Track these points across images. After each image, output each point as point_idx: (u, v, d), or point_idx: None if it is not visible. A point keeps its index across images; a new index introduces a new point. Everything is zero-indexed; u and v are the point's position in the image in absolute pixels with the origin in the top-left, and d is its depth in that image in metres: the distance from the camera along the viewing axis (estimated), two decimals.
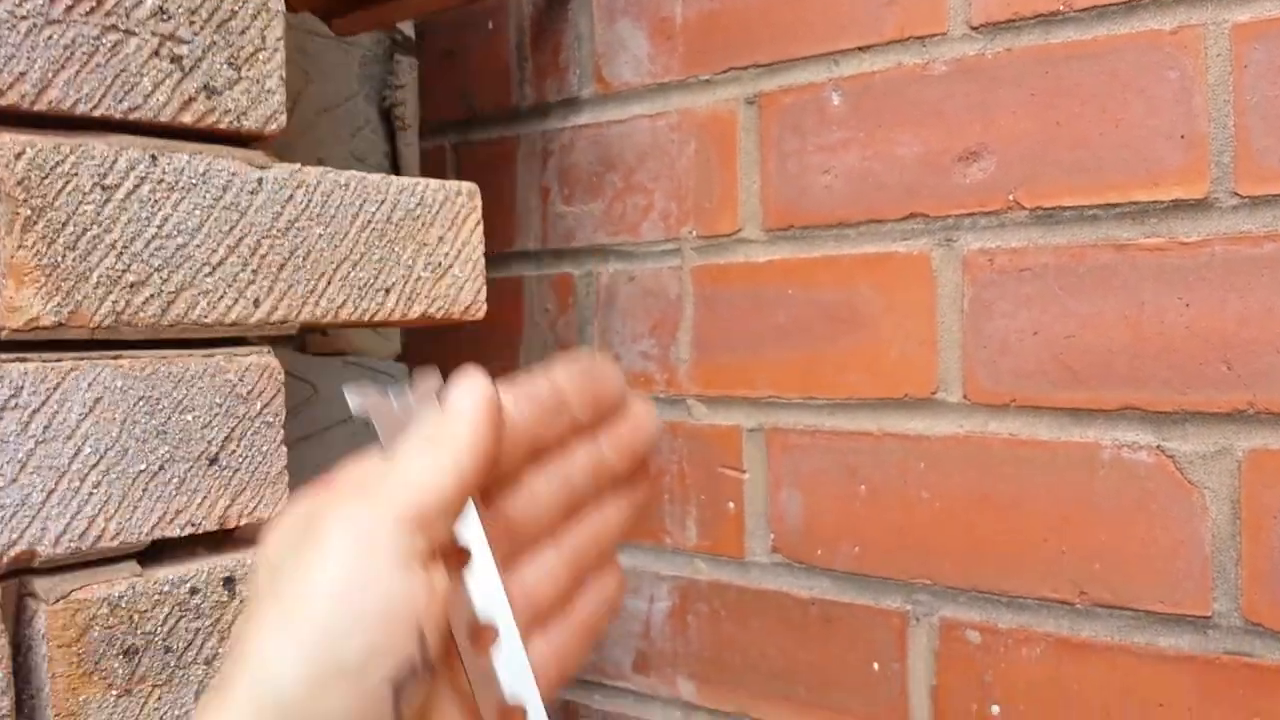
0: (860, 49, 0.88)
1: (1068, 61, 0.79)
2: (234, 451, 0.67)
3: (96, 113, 0.60)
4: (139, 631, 0.63)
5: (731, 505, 0.98)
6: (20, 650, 0.61)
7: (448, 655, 0.42)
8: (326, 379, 1.06)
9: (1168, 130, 0.76)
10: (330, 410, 1.07)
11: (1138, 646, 0.78)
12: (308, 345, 1.06)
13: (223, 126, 0.66)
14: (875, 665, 0.90)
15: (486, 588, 0.44)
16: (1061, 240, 0.80)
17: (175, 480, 0.65)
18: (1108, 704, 0.79)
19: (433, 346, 1.19)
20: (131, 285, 0.62)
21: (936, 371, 0.86)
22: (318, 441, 1.05)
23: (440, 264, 0.79)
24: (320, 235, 0.71)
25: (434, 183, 0.78)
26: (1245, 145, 0.73)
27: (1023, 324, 0.82)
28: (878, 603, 0.90)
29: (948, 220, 0.85)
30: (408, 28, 1.14)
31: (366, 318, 0.74)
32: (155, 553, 0.66)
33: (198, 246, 0.65)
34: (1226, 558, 0.74)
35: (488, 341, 1.15)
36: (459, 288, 0.80)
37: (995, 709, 0.84)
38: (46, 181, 0.58)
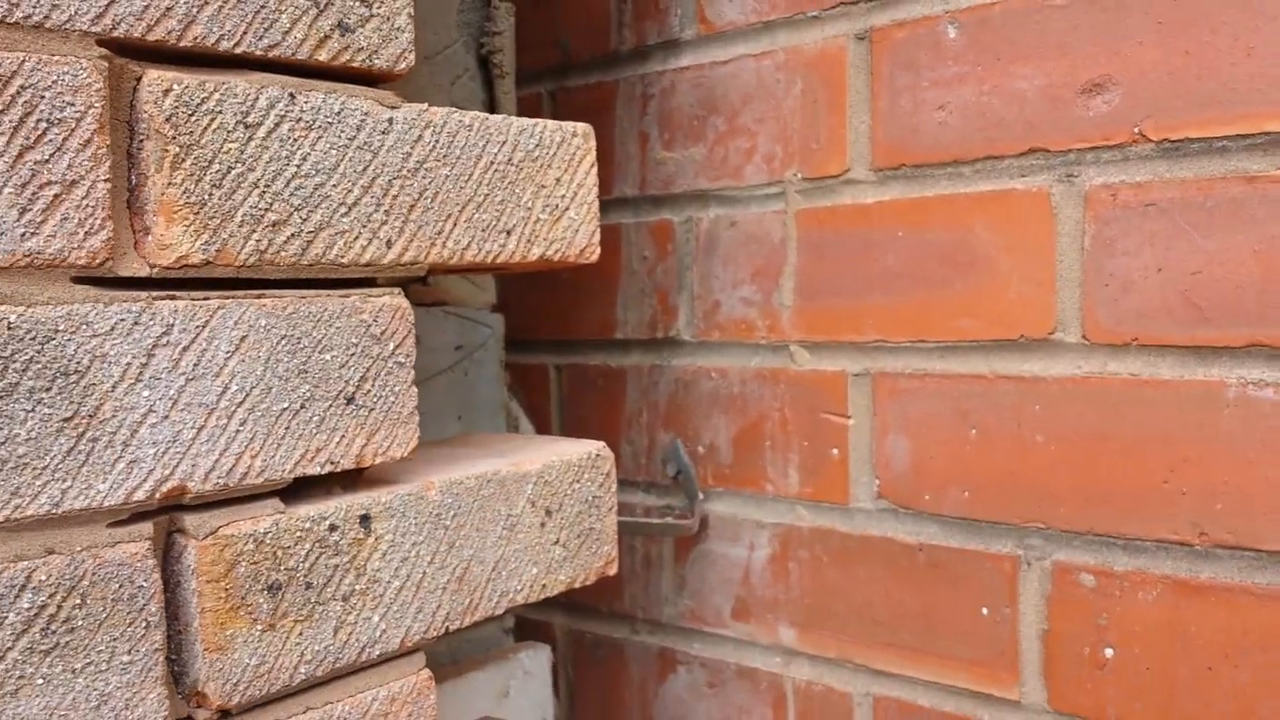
0: None
1: None
2: (369, 391, 0.68)
3: (238, 50, 0.61)
4: (282, 567, 0.64)
5: (835, 451, 0.98)
6: (169, 585, 0.62)
7: None
8: (427, 328, 1.07)
9: None
10: (431, 359, 1.07)
11: (1259, 587, 0.77)
12: (410, 295, 1.07)
13: (355, 65, 0.66)
14: (984, 610, 0.90)
15: None
16: (1188, 174, 0.78)
17: (315, 419, 0.65)
18: (1227, 646, 0.78)
19: (527, 296, 1.19)
20: (274, 224, 0.62)
21: (1054, 312, 0.85)
22: (420, 390, 1.05)
23: (558, 206, 0.79)
24: (447, 175, 0.71)
25: (551, 123, 0.78)
26: None
27: (1146, 261, 0.80)
28: (988, 547, 0.89)
29: (1069, 155, 0.83)
30: None
31: (489, 260, 0.74)
32: (295, 490, 0.67)
33: (334, 186, 0.65)
34: None
35: (584, 290, 1.15)
36: (575, 230, 0.80)
37: (1109, 652, 0.83)
38: (193, 119, 0.59)
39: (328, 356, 0.66)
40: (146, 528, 0.60)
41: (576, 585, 0.83)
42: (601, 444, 0.85)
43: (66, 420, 0.55)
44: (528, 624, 1.24)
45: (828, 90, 0.96)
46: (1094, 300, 0.83)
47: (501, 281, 1.16)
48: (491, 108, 1.08)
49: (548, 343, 1.19)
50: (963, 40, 0.88)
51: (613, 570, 0.86)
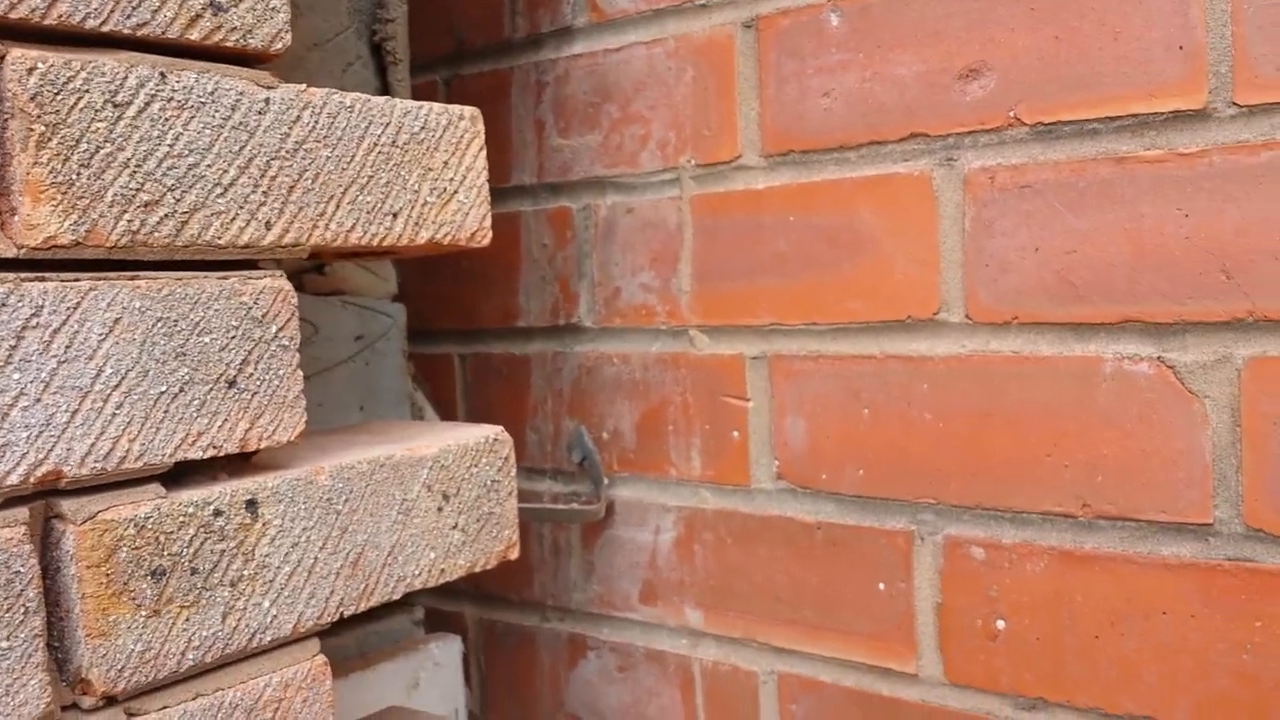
0: None
1: None
2: (251, 374, 0.67)
3: (105, 28, 0.60)
4: (165, 553, 0.64)
5: (736, 434, 0.99)
6: (49, 572, 0.61)
7: None
8: (326, 318, 1.06)
9: (1166, 41, 0.76)
10: (331, 350, 1.07)
11: (1140, 556, 0.80)
12: (305, 285, 1.06)
13: (229, 44, 0.65)
14: (881, 586, 0.91)
15: None
16: (1061, 156, 0.81)
17: (196, 402, 0.65)
18: (1111, 614, 0.81)
19: (429, 285, 1.19)
20: (146, 204, 0.62)
21: (938, 292, 0.87)
22: (319, 381, 1.05)
23: (445, 189, 0.79)
24: (328, 157, 0.71)
25: (437, 106, 0.78)
26: (1243, 54, 0.74)
27: (1023, 241, 0.83)
28: (882, 524, 0.91)
29: (948, 139, 0.85)
30: None
31: (375, 242, 0.74)
32: (178, 475, 0.67)
33: (209, 166, 0.64)
34: (1227, 465, 0.76)
35: (485, 278, 1.15)
36: (464, 213, 0.80)
37: (1001, 624, 0.86)
38: (59, 98, 0.58)
39: (207, 339, 0.65)
40: (22, 513, 0.59)
41: (477, 569, 0.83)
42: (499, 428, 0.85)
43: None
44: (438, 615, 1.23)
45: (717, 77, 0.97)
46: (975, 280, 0.85)
47: (403, 271, 1.16)
48: (385, 94, 1.08)
49: (451, 332, 1.19)
50: (845, 28, 0.90)
51: (514, 554, 0.86)
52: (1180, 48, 0.76)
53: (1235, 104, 0.74)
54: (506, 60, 1.11)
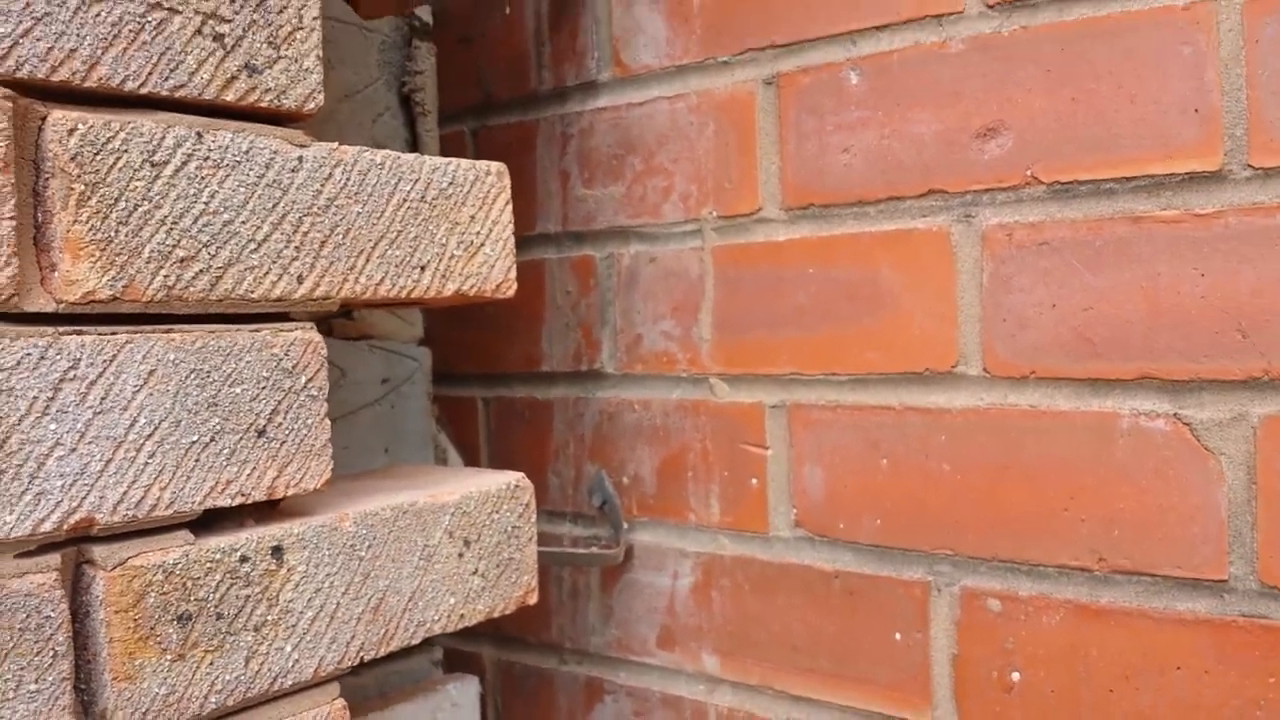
0: (877, 28, 0.90)
1: (1083, 38, 0.81)
2: (281, 424, 0.69)
3: (144, 90, 0.62)
4: (192, 598, 0.65)
5: (754, 481, 1.00)
6: (78, 616, 0.62)
7: None
8: (353, 362, 1.08)
9: (1182, 105, 0.77)
10: (357, 393, 1.08)
11: (1156, 611, 0.80)
12: (333, 330, 1.08)
13: (264, 105, 0.68)
14: (898, 635, 0.92)
15: None
16: (1078, 214, 0.82)
17: (226, 451, 0.66)
18: (1126, 668, 0.81)
19: (454, 330, 1.21)
20: (181, 260, 0.64)
21: (956, 346, 0.88)
22: (346, 424, 1.06)
23: (472, 242, 0.80)
24: (359, 213, 0.73)
25: (465, 162, 0.80)
26: (1258, 118, 0.75)
27: (1041, 298, 0.83)
28: (899, 574, 0.92)
29: (966, 196, 0.87)
30: (426, 13, 1.15)
31: (404, 295, 0.76)
32: (206, 522, 0.68)
33: (243, 223, 0.66)
34: (1243, 522, 0.76)
35: (509, 325, 1.17)
36: (490, 265, 0.82)
37: (1016, 676, 0.86)
38: (99, 157, 0.60)
39: (238, 390, 0.67)
40: (54, 559, 0.61)
41: (496, 615, 0.84)
42: (520, 475, 0.87)
43: None
44: (457, 655, 1.24)
45: (738, 132, 0.99)
46: (993, 335, 0.86)
47: (429, 315, 1.18)
48: (414, 145, 1.10)
49: (475, 376, 1.21)
50: (864, 86, 0.91)
51: (533, 600, 0.87)
52: (1196, 111, 0.77)
53: (1250, 166, 0.75)
54: (533, 112, 1.14)
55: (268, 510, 0.72)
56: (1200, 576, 0.78)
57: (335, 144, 0.72)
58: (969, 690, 0.88)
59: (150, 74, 0.63)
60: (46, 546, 0.61)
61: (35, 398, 0.58)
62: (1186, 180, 0.78)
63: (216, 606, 0.66)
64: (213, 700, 0.66)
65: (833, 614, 0.95)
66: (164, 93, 0.63)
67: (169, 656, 0.64)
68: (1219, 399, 0.77)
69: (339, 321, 1.09)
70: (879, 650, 0.93)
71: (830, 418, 0.95)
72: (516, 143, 1.15)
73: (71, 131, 0.59)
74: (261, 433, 0.68)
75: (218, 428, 0.66)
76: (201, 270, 0.65)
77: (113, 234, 0.61)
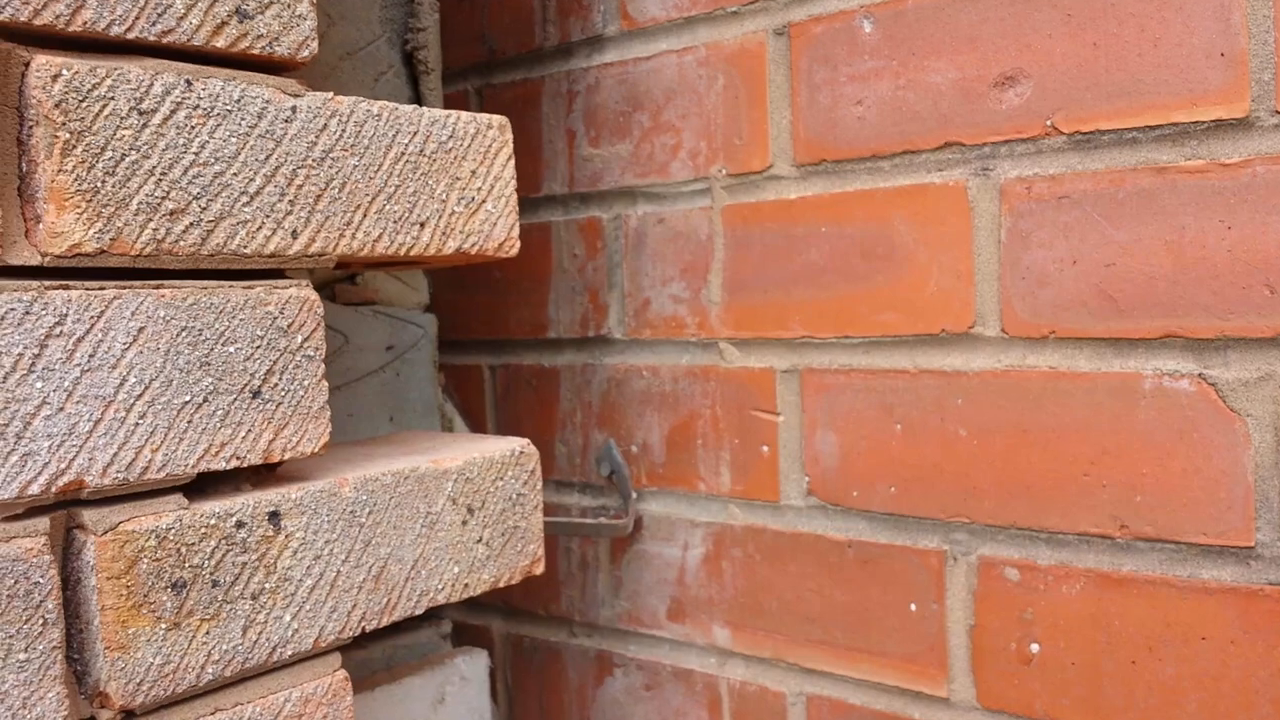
0: None
1: None
2: (276, 385, 0.67)
3: (130, 35, 0.60)
4: (186, 565, 0.63)
5: (766, 449, 0.97)
6: (69, 583, 0.61)
7: None
8: (357, 328, 1.06)
9: (1207, 48, 0.74)
10: (361, 360, 1.06)
11: (1180, 580, 0.78)
12: (337, 295, 1.06)
13: (255, 52, 0.65)
14: (913, 606, 0.90)
15: None
16: (1100, 166, 0.79)
17: (219, 412, 0.64)
18: (1149, 638, 0.79)
19: (460, 295, 1.19)
20: (171, 213, 0.61)
21: (973, 305, 0.85)
22: (349, 391, 1.04)
23: (474, 198, 0.78)
24: (355, 166, 0.70)
25: (465, 115, 0.78)
26: None
27: (1061, 254, 0.81)
28: (915, 543, 0.89)
29: (984, 149, 0.84)
30: None
31: (403, 252, 0.74)
32: (200, 486, 0.66)
33: (235, 175, 0.64)
34: (1270, 487, 0.74)
35: (515, 288, 1.14)
36: (492, 223, 0.80)
37: (1035, 647, 0.84)
38: (84, 105, 0.58)
39: (231, 349, 0.65)
40: (43, 522, 0.59)
41: (501, 584, 0.82)
42: (526, 441, 0.85)
43: None
44: (466, 629, 1.23)
45: (749, 86, 0.96)
46: (1011, 293, 0.83)
47: (434, 281, 1.15)
48: (417, 104, 1.08)
49: (482, 342, 1.18)
50: (878, 34, 0.88)
51: (539, 569, 0.85)
52: (1222, 55, 0.74)
53: (1279, 113, 0.72)
54: (538, 69, 1.11)
55: (265, 475, 0.70)
56: (1226, 543, 0.76)
57: (330, 94, 0.69)
58: (987, 662, 0.86)
59: (137, 19, 0.60)
60: (34, 510, 0.59)
61: (20, 354, 0.56)
62: (1212, 128, 0.75)
63: (212, 574, 0.64)
64: (210, 671, 0.65)
65: (846, 585, 0.93)
66: (151, 38, 0.61)
67: (164, 625, 0.62)
68: (1245, 358, 0.74)
69: (342, 286, 1.07)
70: (894, 621, 0.91)
71: (843, 382, 0.92)
72: (522, 101, 1.12)
73: (55, 78, 0.57)
74: (256, 393, 0.66)
75: (210, 388, 0.64)
76: (192, 223, 0.62)
77: (99, 184, 0.58)
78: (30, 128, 0.56)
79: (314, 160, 0.68)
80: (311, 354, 0.69)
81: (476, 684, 1.11)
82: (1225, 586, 0.76)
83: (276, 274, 0.69)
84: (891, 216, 0.89)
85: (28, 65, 0.56)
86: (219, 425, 0.64)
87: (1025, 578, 0.84)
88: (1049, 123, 0.81)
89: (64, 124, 0.57)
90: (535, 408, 1.14)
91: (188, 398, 0.63)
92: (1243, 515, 0.75)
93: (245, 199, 0.65)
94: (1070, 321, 0.81)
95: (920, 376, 0.88)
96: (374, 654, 1.09)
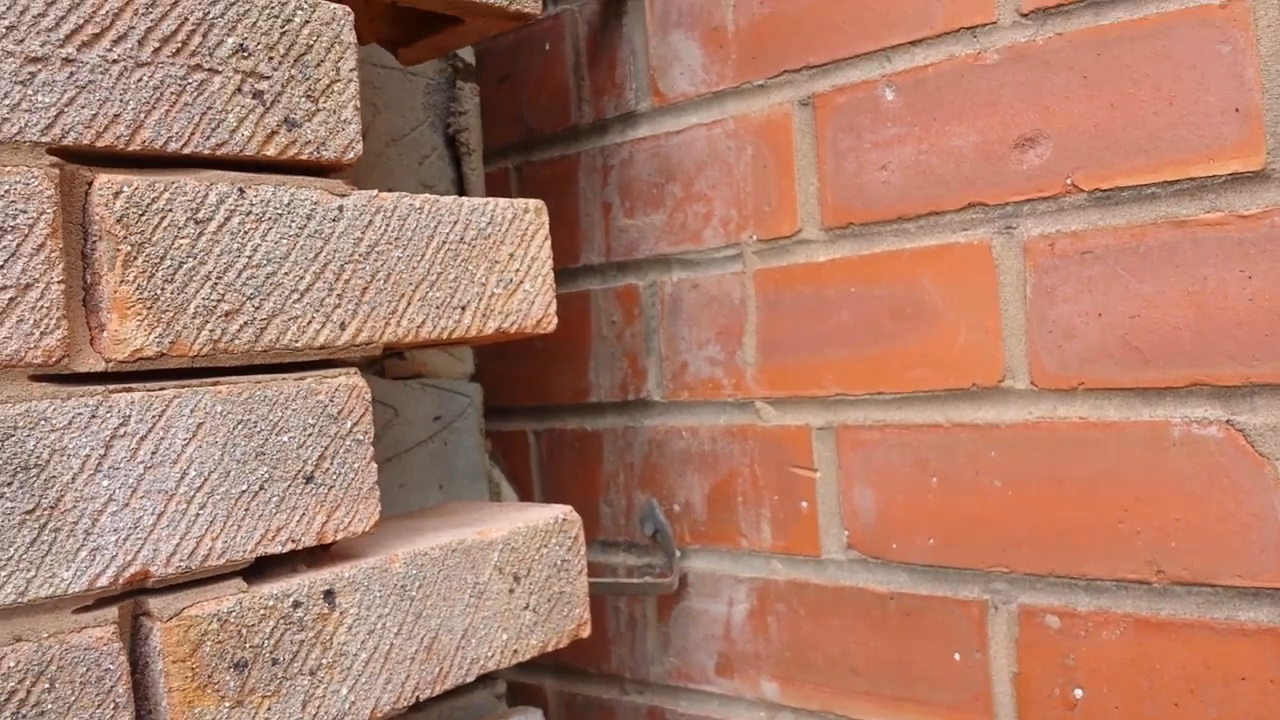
0: (911, 43, 0.90)
1: (1119, 42, 0.80)
2: (328, 469, 0.70)
3: (186, 150, 0.64)
4: (247, 645, 0.66)
5: (805, 504, 0.99)
6: (137, 667, 0.64)
7: None
8: (405, 401, 1.09)
9: (1222, 105, 0.76)
10: (410, 431, 1.10)
11: (1217, 622, 0.78)
12: (385, 370, 1.10)
13: (304, 157, 0.69)
14: (957, 656, 0.91)
15: None
16: (1121, 221, 0.81)
17: (275, 499, 0.68)
18: (1190, 681, 0.79)
19: (504, 365, 1.22)
20: (226, 314, 0.65)
21: (1002, 360, 0.87)
22: (400, 462, 1.08)
23: (512, 280, 0.81)
24: (399, 258, 0.74)
25: (502, 201, 0.81)
26: None
27: (1086, 307, 0.82)
28: (956, 594, 0.91)
29: (1006, 208, 0.86)
30: (468, 54, 1.17)
31: (445, 335, 0.77)
32: (259, 569, 0.70)
33: (286, 274, 0.68)
34: None
35: (557, 356, 1.18)
36: (530, 302, 0.83)
37: (1078, 693, 0.84)
38: (143, 218, 0.62)
39: (285, 438, 0.68)
40: (112, 612, 0.62)
41: (549, 648, 0.85)
42: (568, 508, 0.87)
43: (29, 513, 0.58)
44: (521, 689, 1.25)
45: (776, 155, 0.99)
46: (1039, 347, 0.85)
47: (479, 351, 1.19)
48: (460, 184, 1.12)
49: (526, 409, 1.22)
50: (900, 102, 0.91)
51: (585, 632, 0.88)
52: (1236, 110, 0.76)
53: None
54: (574, 146, 1.15)
55: (320, 555, 0.73)
56: (1261, 585, 0.76)
57: (375, 191, 0.73)
58: (1032, 709, 0.87)
59: (192, 134, 0.64)
60: (103, 601, 0.62)
61: (88, 456, 0.60)
62: (1229, 181, 0.76)
63: (272, 652, 0.67)
64: None
65: (890, 636, 0.94)
66: (206, 151, 0.65)
67: (228, 703, 0.65)
68: (1272, 403, 0.75)
69: (391, 361, 1.11)
70: (939, 671, 0.92)
71: (878, 438, 0.94)
72: (559, 176, 1.16)
73: (117, 194, 0.61)
74: (310, 479, 0.69)
75: (266, 476, 0.67)
76: (246, 323, 0.66)
77: (159, 292, 0.62)
78: (94, 242, 0.61)
79: (360, 255, 0.72)
80: (361, 438, 0.72)
81: None
82: (1262, 627, 0.77)
83: (326, 363, 0.72)
84: (919, 276, 0.91)
85: (90, 184, 0.61)
86: (274, 511, 0.68)
87: (1065, 624, 0.85)
88: (1069, 181, 0.83)
89: (125, 237, 0.61)
90: (579, 470, 1.17)
91: (244, 487, 0.66)
92: (1276, 557, 0.76)
93: (296, 296, 0.68)
94: (1098, 373, 0.82)
95: (953, 430, 0.90)
96: (430, 716, 1.11)
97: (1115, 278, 0.81)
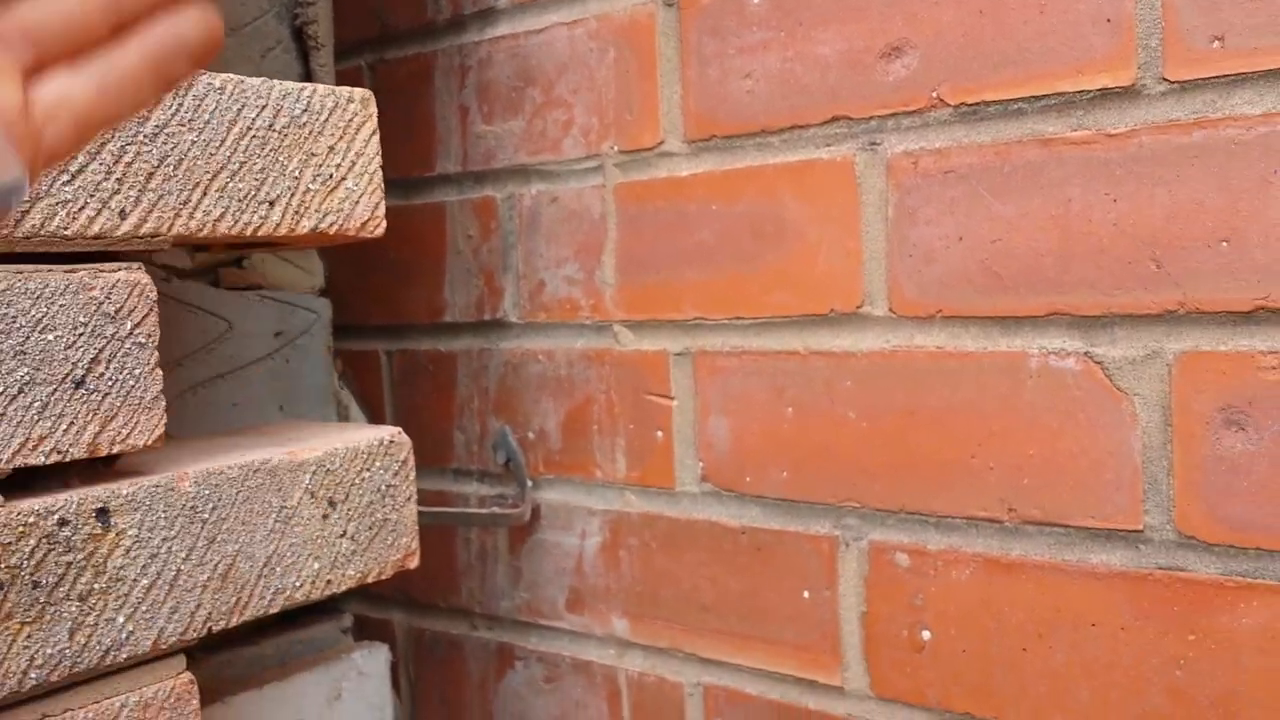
0: None
1: None
2: (102, 374, 0.63)
3: None
4: (3, 565, 0.59)
5: (660, 434, 0.94)
6: None
7: None
8: (242, 313, 1.02)
9: (1093, 14, 0.72)
10: (247, 347, 1.02)
11: (1068, 564, 0.75)
12: (221, 279, 1.02)
13: None
14: (806, 593, 0.87)
15: None
16: (986, 138, 0.76)
17: (37, 404, 0.61)
18: (1039, 625, 0.76)
19: (357, 279, 1.15)
20: None
21: (862, 284, 0.82)
22: (232, 380, 1.01)
23: (331, 175, 0.74)
24: (193, 142, 0.67)
25: (322, 88, 0.74)
26: (1173, 26, 0.69)
27: (948, 230, 0.78)
28: (807, 528, 0.87)
29: (871, 122, 0.81)
30: None
31: (250, 232, 0.70)
32: (22, 482, 0.62)
33: None
34: (1158, 468, 0.71)
35: (411, 270, 1.11)
36: (354, 202, 0.76)
37: (926, 634, 0.81)
38: None
39: (50, 336, 0.61)
40: None
41: (370, 580, 0.79)
42: (396, 430, 0.81)
43: None
44: (368, 622, 1.19)
45: (639, 59, 0.92)
46: (899, 271, 0.80)
47: (330, 265, 1.12)
48: (308, 80, 1.04)
49: (379, 328, 1.15)
50: (766, 5, 0.85)
51: (413, 563, 0.82)
52: (1108, 20, 0.71)
53: (1165, 80, 0.70)
54: (430, 44, 1.07)
55: (101, 471, 0.67)
56: (1114, 526, 0.73)
57: None
58: (879, 650, 0.83)
59: None
60: None
61: None
62: (1098, 97, 0.72)
63: (33, 574, 0.61)
64: (33, 675, 0.61)
65: (741, 572, 0.90)
66: None
67: None
68: (1132, 335, 0.72)
69: (227, 270, 1.03)
70: (788, 609, 0.88)
71: (735, 365, 0.89)
72: (415, 76, 1.08)
73: None
74: (80, 384, 0.62)
75: (26, 378, 0.60)
76: None
77: None
78: None
79: (145, 136, 0.64)
80: (143, 341, 0.65)
81: (376, 678, 1.07)
82: (1114, 571, 0.74)
83: (104, 256, 0.65)
84: (781, 193, 0.86)
85: None
86: (36, 418, 0.61)
87: (915, 563, 0.82)
88: (935, 94, 0.78)
89: None
90: (432, 394, 1.11)
91: (0, 388, 0.59)
92: (1130, 497, 0.73)
93: (65, 177, 0.61)
94: (957, 300, 0.78)
95: (810, 358, 0.85)
96: (266, 650, 1.05)
97: (978, 199, 0.77)
